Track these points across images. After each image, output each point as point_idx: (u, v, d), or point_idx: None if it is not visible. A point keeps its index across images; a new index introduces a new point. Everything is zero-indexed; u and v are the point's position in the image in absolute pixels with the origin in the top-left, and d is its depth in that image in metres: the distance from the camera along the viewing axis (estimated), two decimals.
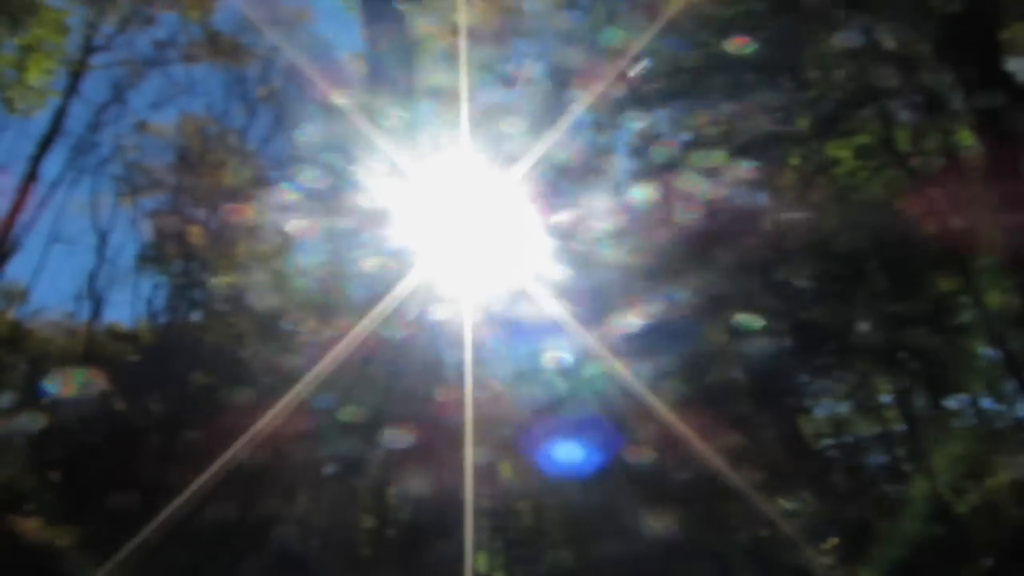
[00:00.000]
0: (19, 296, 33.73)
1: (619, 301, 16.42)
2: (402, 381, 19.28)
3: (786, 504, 16.01)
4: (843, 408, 20.06)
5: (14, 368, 34.59)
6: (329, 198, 23.25)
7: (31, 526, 22.72)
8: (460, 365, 15.29)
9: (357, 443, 20.42)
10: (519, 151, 14.20)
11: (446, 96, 14.86)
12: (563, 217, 15.87)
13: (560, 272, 16.27)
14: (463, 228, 16.30)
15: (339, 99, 16.49)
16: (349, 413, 18.51)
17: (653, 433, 15.55)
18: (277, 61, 27.59)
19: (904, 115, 13.52)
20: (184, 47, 25.30)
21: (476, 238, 16.27)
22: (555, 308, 15.85)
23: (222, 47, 23.84)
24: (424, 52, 15.17)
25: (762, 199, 15.69)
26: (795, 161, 14.53)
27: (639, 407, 15.17)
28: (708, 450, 13.86)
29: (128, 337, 32.57)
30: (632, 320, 15.80)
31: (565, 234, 15.92)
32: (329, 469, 22.56)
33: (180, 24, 24.71)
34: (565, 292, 16.18)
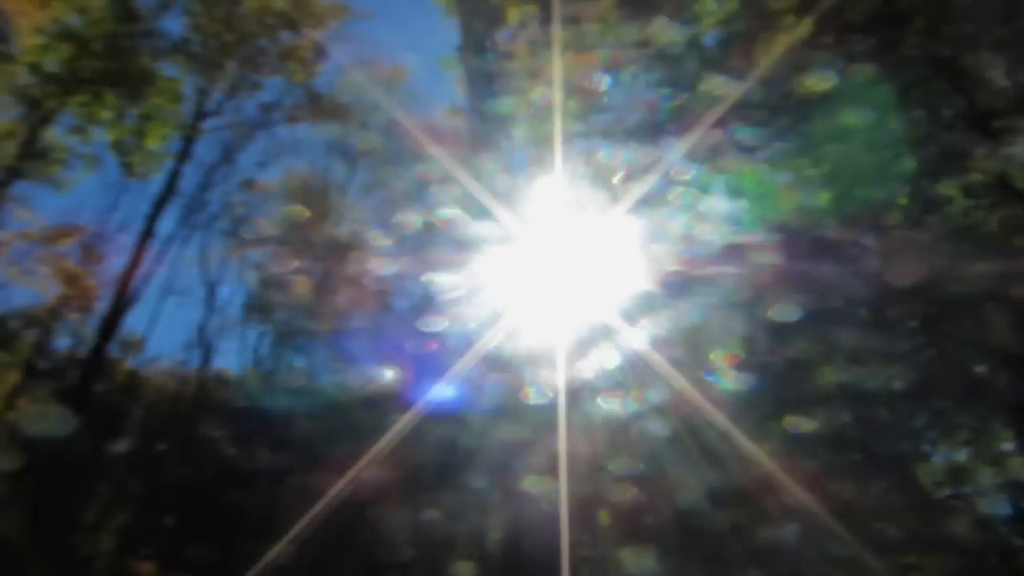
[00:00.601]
0: (136, 346, 35.39)
1: (716, 345, 16.14)
2: (495, 425, 19.38)
3: (905, 560, 15.23)
4: (961, 456, 19.03)
5: (131, 414, 36.21)
6: (427, 247, 23.73)
7: (147, 570, 23.56)
8: (552, 408, 15.26)
9: (456, 488, 20.58)
10: (616, 200, 14.19)
11: (543, 146, 15.03)
12: (657, 263, 15.71)
13: (655, 318, 16.11)
14: (559, 274, 16.39)
15: (438, 152, 16.89)
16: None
17: (755, 483, 15.12)
18: (376, 118, 28.57)
19: (1020, 151, 12.93)
20: (288, 109, 26.51)
21: (571, 284, 16.32)
22: (649, 352, 15.68)
23: (324, 108, 24.81)
24: (521, 104, 15.41)
25: (868, 239, 15.14)
26: (903, 200, 14.03)
27: (740, 455, 14.80)
28: (816, 502, 13.33)
29: (236, 384, 33.75)
30: (730, 364, 15.47)
31: (658, 280, 15.77)
32: (429, 515, 22.72)
33: (284, 87, 25.94)
34: (660, 337, 16.00)
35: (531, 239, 15.97)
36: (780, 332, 14.90)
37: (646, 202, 13.84)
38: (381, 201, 27.26)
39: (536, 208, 16.03)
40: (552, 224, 15.57)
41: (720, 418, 14.68)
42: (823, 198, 14.04)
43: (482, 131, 14.98)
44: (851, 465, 16.01)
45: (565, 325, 16.66)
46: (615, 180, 13.59)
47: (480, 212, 15.53)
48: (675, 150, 13.05)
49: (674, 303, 15.83)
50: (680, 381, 16.07)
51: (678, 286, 15.48)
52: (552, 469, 15.42)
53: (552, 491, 15.23)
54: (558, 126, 14.09)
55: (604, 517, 19.72)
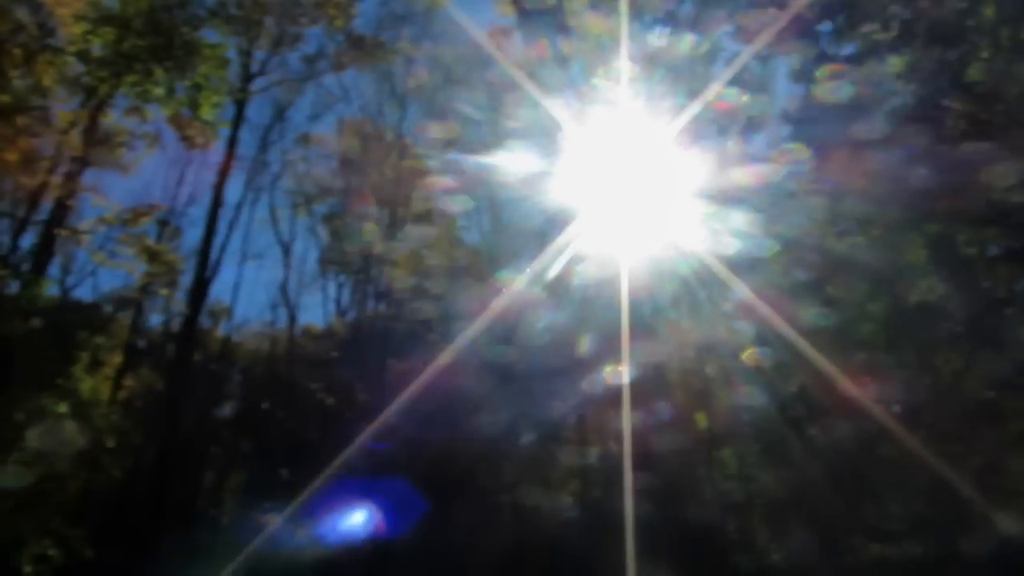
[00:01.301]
0: (224, 313, 36.45)
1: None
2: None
3: None
4: None
5: (229, 379, 37.57)
6: (489, 169, 23.53)
7: (271, 521, 24.63)
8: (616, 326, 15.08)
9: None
10: (679, 101, 13.70)
11: (605, 43, 14.56)
12: (726, 174, 15.14)
13: (722, 236, 15.65)
14: (621, 185, 16.01)
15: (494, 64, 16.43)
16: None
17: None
18: (421, 51, 28.18)
19: None
20: (332, 57, 26.32)
21: (634, 195, 15.94)
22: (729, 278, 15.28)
23: (367, 49, 24.53)
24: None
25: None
26: None
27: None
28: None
29: (324, 336, 34.59)
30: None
31: (726, 193, 15.21)
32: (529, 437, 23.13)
33: (326, 36, 25.75)
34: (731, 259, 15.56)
35: (592, 143, 15.60)
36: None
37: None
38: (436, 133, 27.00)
39: (598, 112, 15.62)
40: (614, 129, 15.16)
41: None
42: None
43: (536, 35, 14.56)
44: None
45: (627, 237, 16.38)
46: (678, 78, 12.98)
47: (541, 119, 15.25)
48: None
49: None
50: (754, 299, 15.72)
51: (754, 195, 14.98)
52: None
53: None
54: (624, 20, 13.48)
55: (701, 419, 19.74)
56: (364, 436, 23.29)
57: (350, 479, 22.13)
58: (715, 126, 14.28)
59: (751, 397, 18.15)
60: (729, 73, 13.72)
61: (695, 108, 12.96)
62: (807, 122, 14.09)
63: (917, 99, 12.65)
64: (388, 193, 27.09)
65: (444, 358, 22.36)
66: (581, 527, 20.30)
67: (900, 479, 14.22)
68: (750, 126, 15.59)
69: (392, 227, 27.58)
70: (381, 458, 22.73)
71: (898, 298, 14.45)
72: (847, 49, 13.31)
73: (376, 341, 25.77)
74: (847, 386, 13.46)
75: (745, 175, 14.78)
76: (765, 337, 15.23)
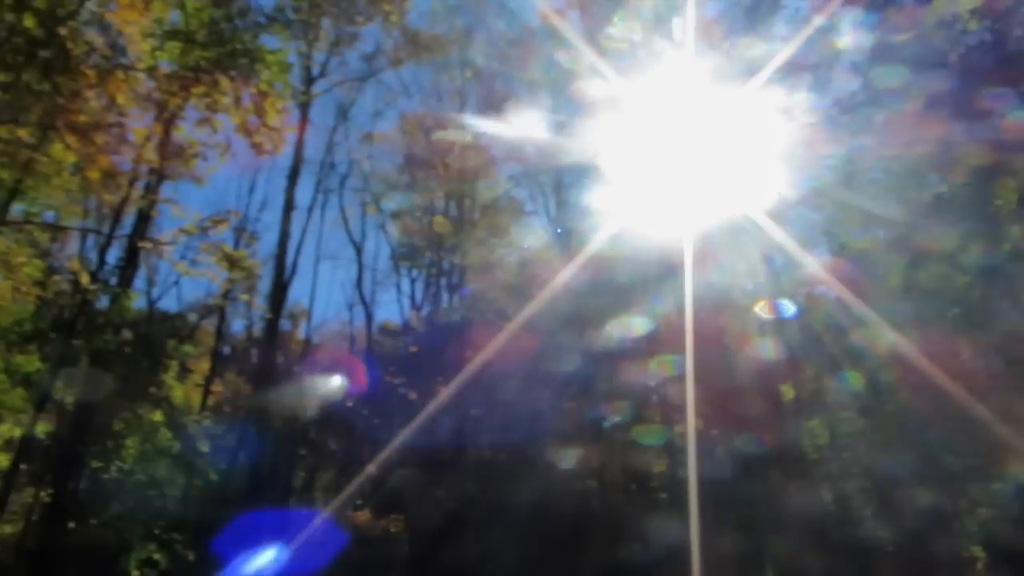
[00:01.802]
0: (303, 315, 37.20)
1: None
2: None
3: None
4: None
5: (311, 380, 38.30)
6: (554, 150, 23.35)
7: (363, 519, 25.03)
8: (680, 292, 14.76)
9: None
10: (746, 62, 13.28)
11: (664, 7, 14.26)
12: (795, 136, 14.63)
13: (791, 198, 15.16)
14: (688, 152, 15.62)
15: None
16: None
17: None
18: (476, 39, 28.15)
19: None
20: (390, 53, 26.51)
21: (699, 159, 15.53)
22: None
23: (423, 43, 24.62)
24: None
25: None
26: None
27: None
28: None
29: (401, 332, 34.96)
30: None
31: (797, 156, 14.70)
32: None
33: (382, 32, 25.93)
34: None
35: (656, 108, 15.26)
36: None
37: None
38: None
39: (662, 76, 15.28)
40: (683, 101, 14.80)
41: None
42: None
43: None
44: None
45: (690, 203, 16.01)
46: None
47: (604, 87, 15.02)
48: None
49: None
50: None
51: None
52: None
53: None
54: None
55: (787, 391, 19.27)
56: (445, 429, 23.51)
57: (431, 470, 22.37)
58: (784, 81, 13.77)
59: (837, 365, 17.68)
60: (795, 28, 13.26)
61: (763, 66, 12.56)
62: (877, 72, 13.54)
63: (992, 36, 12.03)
64: (455, 184, 27.15)
65: (521, 342, 22.39)
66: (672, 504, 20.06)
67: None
68: (819, 81, 15.04)
69: (461, 218, 27.65)
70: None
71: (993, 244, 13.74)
72: None
73: (453, 333, 25.85)
74: (942, 347, 12.95)
75: (815, 132, 14.34)
76: (847, 305, 14.75)
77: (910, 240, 13.90)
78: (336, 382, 33.51)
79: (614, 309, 19.85)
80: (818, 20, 13.48)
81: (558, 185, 28.54)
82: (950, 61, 12.36)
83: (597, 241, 18.11)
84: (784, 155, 14.83)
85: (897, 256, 14.28)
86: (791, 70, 13.69)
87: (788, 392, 19.17)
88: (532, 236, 31.23)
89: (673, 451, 21.83)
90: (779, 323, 17.27)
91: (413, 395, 23.90)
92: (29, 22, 13.77)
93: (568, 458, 21.90)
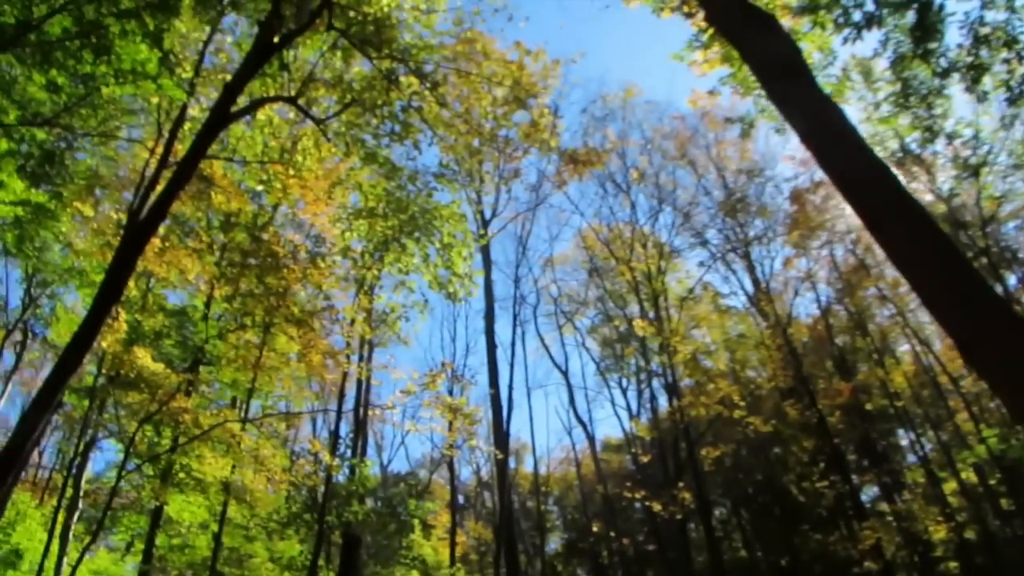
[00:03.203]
0: (525, 450, 37.43)
1: None
2: None
3: None
4: None
5: (547, 512, 38.06)
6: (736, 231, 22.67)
7: None
8: None
9: None
10: None
11: None
12: None
13: None
14: None
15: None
16: None
17: None
18: (631, 143, 28.50)
19: None
20: (553, 177, 27.31)
21: None
22: None
23: (581, 160, 25.13)
24: None
25: None
26: None
27: None
28: None
29: (626, 444, 34.25)
30: None
31: None
32: None
33: (541, 159, 26.82)
34: None
35: None
36: None
37: None
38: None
39: None
40: None
41: None
42: None
43: None
44: None
45: None
46: None
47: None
48: None
49: None
50: None
51: None
52: None
53: None
54: None
55: None
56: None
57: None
58: None
59: None
60: None
61: None
62: None
63: None
64: (644, 284, 26.89)
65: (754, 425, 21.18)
66: None
67: None
68: None
69: (658, 316, 27.23)
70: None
71: None
72: None
73: (680, 433, 24.99)
74: None
75: None
76: None
77: None
78: (571, 509, 33.06)
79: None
80: None
81: (748, 261, 27.72)
82: None
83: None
84: None
85: None
86: None
87: None
88: (733, 317, 30.28)
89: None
90: None
91: (657, 506, 23.00)
92: (240, 236, 15.29)
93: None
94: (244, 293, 14.55)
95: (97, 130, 13.70)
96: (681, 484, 22.87)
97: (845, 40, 9.71)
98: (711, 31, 10.89)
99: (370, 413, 20.42)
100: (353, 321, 16.71)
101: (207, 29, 14.95)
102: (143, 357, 13.34)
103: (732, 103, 26.90)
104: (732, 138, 27.27)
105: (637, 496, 25.83)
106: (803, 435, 24.90)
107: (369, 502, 21.55)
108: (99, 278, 14.91)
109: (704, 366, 26.37)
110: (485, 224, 26.79)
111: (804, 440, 24.89)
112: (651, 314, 26.66)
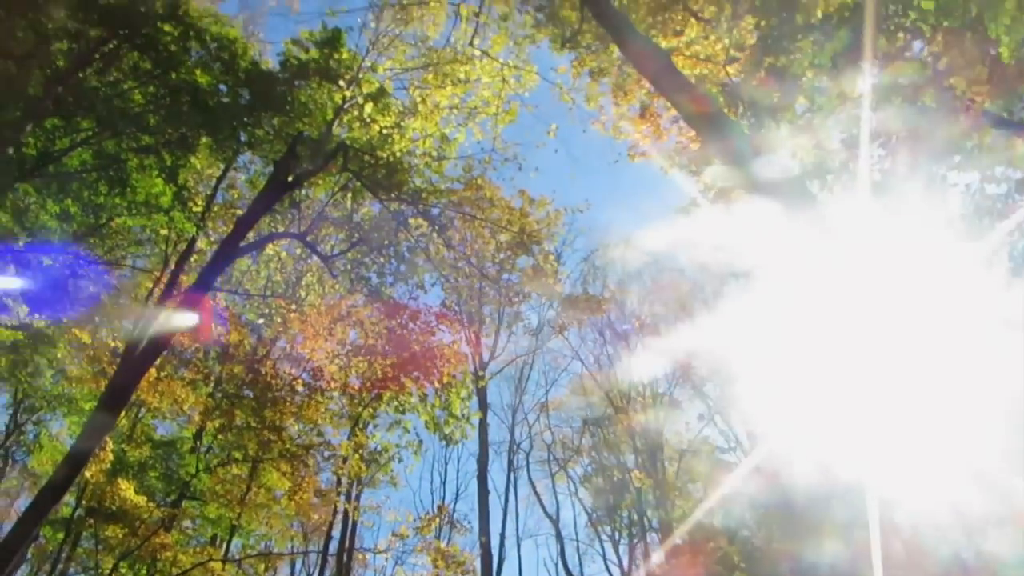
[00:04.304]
0: None
1: None
2: None
3: None
4: None
5: None
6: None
7: None
8: None
9: None
10: None
11: None
12: None
13: None
14: None
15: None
16: None
17: None
18: (630, 293, 28.83)
19: None
20: (551, 323, 27.44)
21: None
22: None
23: (580, 306, 25.31)
24: None
25: None
26: None
27: None
28: None
29: None
30: None
31: None
32: None
33: (542, 305, 27.07)
34: None
35: None
36: None
37: None
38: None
39: None
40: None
41: None
42: None
43: None
44: None
45: None
46: None
47: None
48: None
49: None
50: None
51: None
52: None
53: None
54: None
55: None
56: None
57: None
58: None
59: None
60: None
61: None
62: None
63: None
64: (642, 436, 26.45)
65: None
66: None
67: None
68: None
69: (654, 468, 26.61)
70: None
71: None
72: None
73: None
74: None
75: None
76: None
77: None
78: None
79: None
80: None
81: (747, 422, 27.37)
82: None
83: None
84: None
85: None
86: None
87: None
88: (731, 475, 29.59)
89: None
90: None
91: None
92: (237, 369, 15.14)
93: None
94: (239, 426, 14.27)
95: (104, 258, 13.81)
96: None
97: None
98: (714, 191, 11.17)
99: (358, 557, 19.63)
100: (347, 458, 16.33)
101: (221, 166, 15.37)
102: (127, 489, 12.90)
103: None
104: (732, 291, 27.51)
105: None
106: None
107: None
108: (89, 406, 14.66)
109: (703, 523, 25.55)
110: (483, 366, 26.61)
111: None
112: (647, 465, 26.06)
